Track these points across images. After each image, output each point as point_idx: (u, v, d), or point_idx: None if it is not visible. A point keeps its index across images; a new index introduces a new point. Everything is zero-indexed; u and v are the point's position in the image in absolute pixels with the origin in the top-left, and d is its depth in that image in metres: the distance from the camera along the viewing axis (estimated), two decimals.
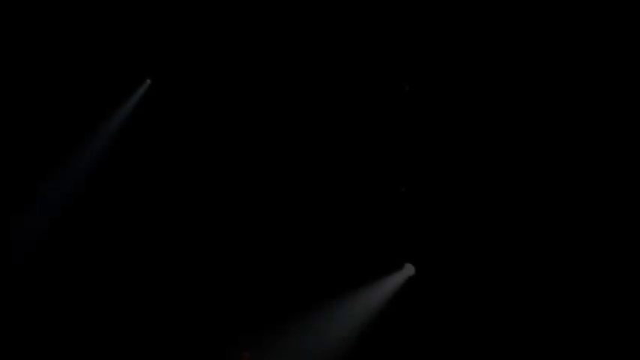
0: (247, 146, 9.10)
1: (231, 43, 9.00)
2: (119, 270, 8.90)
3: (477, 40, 8.79)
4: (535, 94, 8.72)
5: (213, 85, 9.08)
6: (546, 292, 8.66)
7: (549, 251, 8.69)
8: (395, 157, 9.11)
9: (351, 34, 8.93)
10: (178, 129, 9.08)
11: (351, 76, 9.04)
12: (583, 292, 8.55)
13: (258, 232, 9.12)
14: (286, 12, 8.90)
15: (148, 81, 9.05)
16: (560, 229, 8.67)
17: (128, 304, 8.85)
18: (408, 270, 9.07)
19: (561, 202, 8.68)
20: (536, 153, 8.75)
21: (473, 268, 8.87)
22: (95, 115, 8.96)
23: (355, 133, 9.13)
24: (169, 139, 9.07)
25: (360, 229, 9.12)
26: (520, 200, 8.79)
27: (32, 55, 8.72)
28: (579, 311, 8.54)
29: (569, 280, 8.61)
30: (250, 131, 9.10)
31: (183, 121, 9.08)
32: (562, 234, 8.66)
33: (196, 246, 9.04)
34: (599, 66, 8.54)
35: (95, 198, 8.92)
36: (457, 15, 8.77)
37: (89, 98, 8.92)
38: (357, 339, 8.93)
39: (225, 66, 9.05)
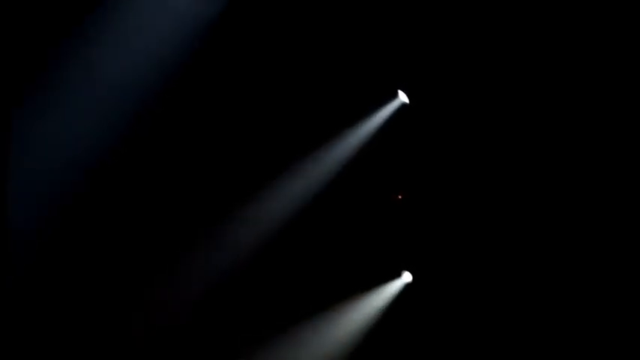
0: (246, 150, 9.10)
1: (231, 48, 9.04)
2: (120, 272, 8.87)
3: (476, 50, 8.83)
4: (533, 100, 8.77)
5: (214, 91, 9.10)
6: (547, 302, 8.69)
7: (548, 261, 8.74)
8: (392, 164, 9.13)
9: (354, 41, 8.98)
10: (176, 135, 9.09)
11: (353, 83, 9.08)
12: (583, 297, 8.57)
13: (257, 238, 9.10)
14: (290, 18, 8.96)
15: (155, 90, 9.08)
16: (560, 235, 8.72)
17: (130, 306, 8.83)
18: (406, 277, 9.08)
19: (561, 211, 8.71)
20: (536, 159, 8.79)
21: (471, 275, 8.87)
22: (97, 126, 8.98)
23: (357, 140, 9.16)
24: (169, 145, 9.08)
25: (358, 237, 9.11)
26: (519, 206, 8.81)
27: (33, 58, 8.75)
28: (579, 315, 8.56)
29: (568, 286, 8.63)
30: (248, 135, 9.10)
31: (182, 127, 9.10)
32: (562, 240, 8.70)
33: (197, 250, 9.03)
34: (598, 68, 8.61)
35: (94, 201, 8.91)
36: (458, 22, 8.83)
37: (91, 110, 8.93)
38: (354, 347, 8.91)
39: (225, 72, 9.08)
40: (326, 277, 9.04)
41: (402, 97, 9.13)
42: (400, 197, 9.13)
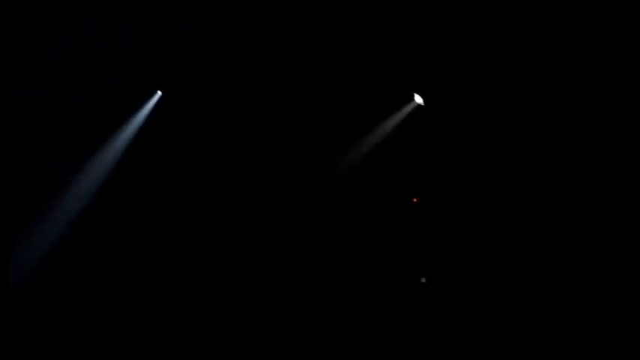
0: (256, 154, 9.16)
1: (239, 52, 9.09)
2: (127, 275, 8.97)
3: (489, 52, 8.85)
4: (547, 101, 8.78)
5: (223, 96, 9.16)
6: (563, 311, 8.72)
7: (562, 268, 8.77)
8: (406, 166, 9.16)
9: (369, 44, 9.01)
10: (187, 140, 9.15)
11: (363, 86, 9.11)
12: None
13: (267, 243, 9.16)
14: (298, 22, 9.00)
15: (159, 92, 9.15)
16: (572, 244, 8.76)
17: (135, 308, 8.92)
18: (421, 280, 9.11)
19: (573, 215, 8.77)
20: (549, 158, 8.82)
21: (487, 279, 8.90)
22: (105, 127, 9.06)
23: (367, 143, 9.20)
24: (179, 150, 9.14)
25: (372, 241, 9.14)
26: (531, 205, 8.84)
27: (45, 63, 8.85)
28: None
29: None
30: (259, 139, 9.16)
31: (193, 133, 9.16)
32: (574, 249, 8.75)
33: (207, 256, 9.10)
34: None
35: (104, 208, 9.00)
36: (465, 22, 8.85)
37: (99, 111, 9.02)
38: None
39: (234, 77, 9.13)
40: (341, 281, 9.11)
41: (418, 100, 9.15)
42: (416, 200, 9.14)
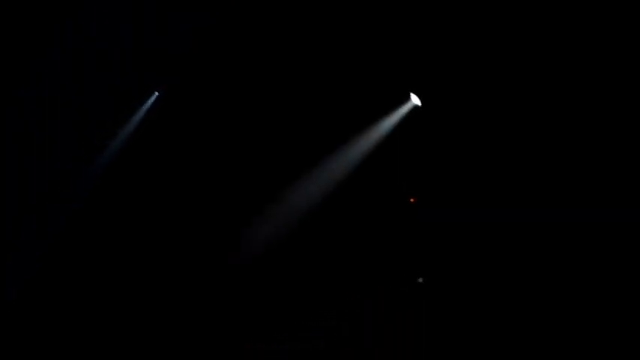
0: (255, 153, 9.19)
1: (239, 52, 9.11)
2: (126, 275, 8.99)
3: (488, 52, 8.85)
4: (546, 101, 8.78)
5: (223, 96, 9.18)
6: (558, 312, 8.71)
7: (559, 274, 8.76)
8: (405, 165, 9.17)
9: (366, 44, 9.02)
10: (187, 140, 9.17)
11: (362, 86, 9.12)
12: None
13: (266, 242, 9.17)
14: (296, 23, 9.02)
15: (156, 93, 9.18)
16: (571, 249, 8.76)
17: (135, 308, 8.94)
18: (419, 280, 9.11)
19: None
20: (548, 159, 8.82)
21: (485, 278, 8.91)
22: (105, 127, 9.09)
23: (366, 143, 9.21)
24: (179, 150, 9.16)
25: (371, 241, 9.15)
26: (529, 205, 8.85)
27: (45, 63, 8.88)
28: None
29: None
30: (258, 138, 9.18)
31: (193, 133, 9.18)
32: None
33: (206, 256, 9.12)
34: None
35: (105, 208, 9.04)
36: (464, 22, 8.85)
37: (99, 111, 9.05)
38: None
39: (233, 77, 9.15)
40: (341, 281, 9.10)
41: (415, 100, 9.15)
42: (413, 201, 9.15)
